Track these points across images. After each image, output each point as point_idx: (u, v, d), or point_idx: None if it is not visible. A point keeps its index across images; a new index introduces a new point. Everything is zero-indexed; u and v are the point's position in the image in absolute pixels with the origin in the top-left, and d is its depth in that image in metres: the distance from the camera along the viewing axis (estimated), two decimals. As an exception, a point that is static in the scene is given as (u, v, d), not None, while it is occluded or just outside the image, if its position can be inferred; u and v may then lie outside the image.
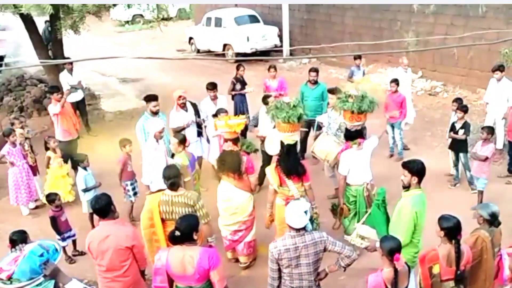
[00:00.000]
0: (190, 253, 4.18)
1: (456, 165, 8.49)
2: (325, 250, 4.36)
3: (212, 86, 8.97)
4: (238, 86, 10.39)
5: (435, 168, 8.99)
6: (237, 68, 10.59)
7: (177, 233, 4.19)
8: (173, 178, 5.33)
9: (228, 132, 6.60)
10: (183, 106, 8.47)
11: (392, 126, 9.64)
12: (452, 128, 8.33)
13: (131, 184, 7.90)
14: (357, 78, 10.81)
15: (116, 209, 4.93)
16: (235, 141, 6.64)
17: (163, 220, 5.34)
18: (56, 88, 9.59)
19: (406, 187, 4.95)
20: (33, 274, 3.25)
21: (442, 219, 4.43)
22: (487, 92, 9.61)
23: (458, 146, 8.25)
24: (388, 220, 5.65)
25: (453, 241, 4.35)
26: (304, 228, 4.31)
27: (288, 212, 4.33)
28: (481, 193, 7.69)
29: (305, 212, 4.29)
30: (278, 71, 10.64)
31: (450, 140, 8.52)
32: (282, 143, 6.03)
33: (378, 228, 5.24)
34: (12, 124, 8.99)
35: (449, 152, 8.63)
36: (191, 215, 4.62)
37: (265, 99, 8.40)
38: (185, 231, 4.19)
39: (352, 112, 6.60)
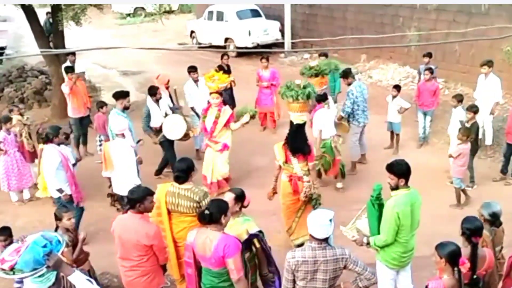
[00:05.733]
0: (211, 236, 4.26)
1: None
2: (345, 268, 4.10)
3: (194, 69, 9.75)
4: None
5: (435, 164, 9.05)
6: (222, 57, 11.42)
7: (206, 212, 4.28)
8: (179, 172, 5.27)
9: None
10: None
11: (425, 114, 9.76)
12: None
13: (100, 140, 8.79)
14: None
15: (152, 203, 4.89)
16: None
17: (169, 211, 5.34)
18: (71, 69, 10.32)
19: (395, 188, 4.85)
20: (37, 264, 3.23)
21: (465, 220, 4.36)
22: (477, 89, 9.63)
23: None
24: (381, 217, 5.62)
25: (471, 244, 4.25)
26: (326, 241, 4.06)
27: (310, 221, 4.06)
28: (460, 190, 7.78)
29: (330, 220, 4.01)
30: (279, 65, 10.84)
31: (451, 137, 8.51)
32: (291, 122, 6.39)
33: (370, 224, 5.22)
34: (11, 111, 9.16)
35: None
36: (223, 200, 4.61)
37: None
38: (214, 211, 4.27)
39: (316, 75, 8.16)
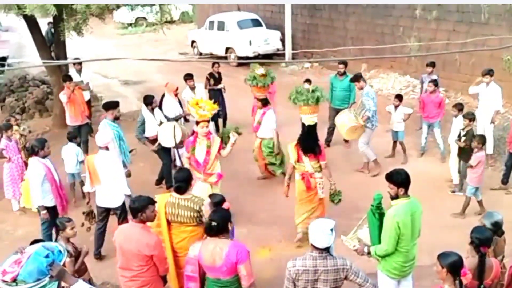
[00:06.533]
0: (221, 245, 4.29)
1: (460, 171, 8.44)
2: (345, 278, 4.10)
3: (190, 77, 10.19)
4: (211, 82, 11.31)
5: (436, 173, 9.05)
6: (212, 65, 11.72)
7: (214, 223, 4.31)
8: (180, 182, 5.31)
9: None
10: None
11: (429, 126, 9.73)
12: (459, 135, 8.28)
13: None
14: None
15: (153, 212, 4.83)
16: None
17: (168, 222, 5.34)
18: (69, 77, 10.42)
19: (395, 197, 4.85)
20: (40, 275, 3.21)
21: (475, 230, 4.38)
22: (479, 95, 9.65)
23: (461, 153, 8.20)
24: (382, 227, 5.61)
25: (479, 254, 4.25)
26: (327, 250, 4.05)
27: (311, 230, 4.07)
28: (469, 198, 7.71)
29: (331, 229, 4.01)
30: (280, 74, 10.92)
31: (452, 146, 8.53)
32: (303, 124, 6.85)
33: (371, 233, 5.22)
34: (8, 121, 9.26)
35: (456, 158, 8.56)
36: (224, 209, 4.74)
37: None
38: (220, 221, 4.33)
39: (257, 86, 8.81)
